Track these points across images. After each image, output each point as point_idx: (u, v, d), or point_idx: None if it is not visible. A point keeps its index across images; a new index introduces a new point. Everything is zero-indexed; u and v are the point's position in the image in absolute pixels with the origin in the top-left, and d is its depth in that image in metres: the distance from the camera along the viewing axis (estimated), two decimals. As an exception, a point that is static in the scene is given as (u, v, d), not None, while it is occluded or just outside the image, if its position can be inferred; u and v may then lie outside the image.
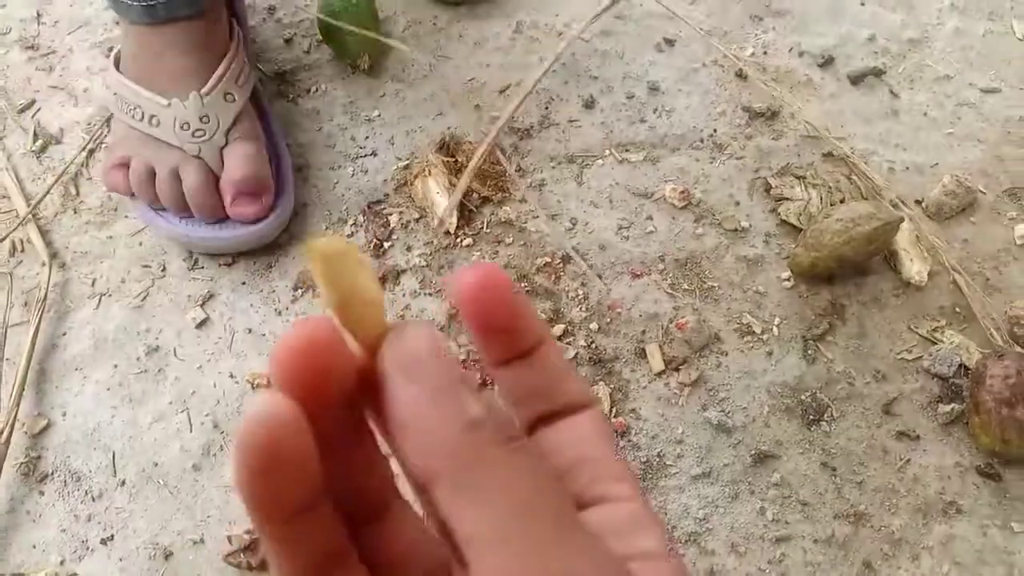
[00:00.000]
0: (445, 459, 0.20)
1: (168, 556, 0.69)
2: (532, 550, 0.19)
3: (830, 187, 0.88)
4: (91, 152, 0.89)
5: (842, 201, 0.86)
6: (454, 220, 0.82)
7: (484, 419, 0.21)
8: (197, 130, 0.76)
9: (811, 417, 0.76)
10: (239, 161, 0.77)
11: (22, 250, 0.83)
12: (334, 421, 0.23)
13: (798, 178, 0.88)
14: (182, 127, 0.76)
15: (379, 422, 0.24)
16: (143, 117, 0.77)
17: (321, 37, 0.94)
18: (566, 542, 0.20)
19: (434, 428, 0.20)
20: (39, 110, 0.92)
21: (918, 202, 0.89)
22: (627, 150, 0.90)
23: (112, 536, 0.70)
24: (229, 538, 0.70)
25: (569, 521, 0.21)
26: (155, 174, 0.77)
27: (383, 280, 0.81)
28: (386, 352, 0.22)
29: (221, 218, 0.79)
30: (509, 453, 0.21)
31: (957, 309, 0.83)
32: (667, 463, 0.74)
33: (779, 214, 0.87)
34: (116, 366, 0.77)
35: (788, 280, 0.83)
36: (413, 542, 0.27)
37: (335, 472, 0.24)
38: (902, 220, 0.81)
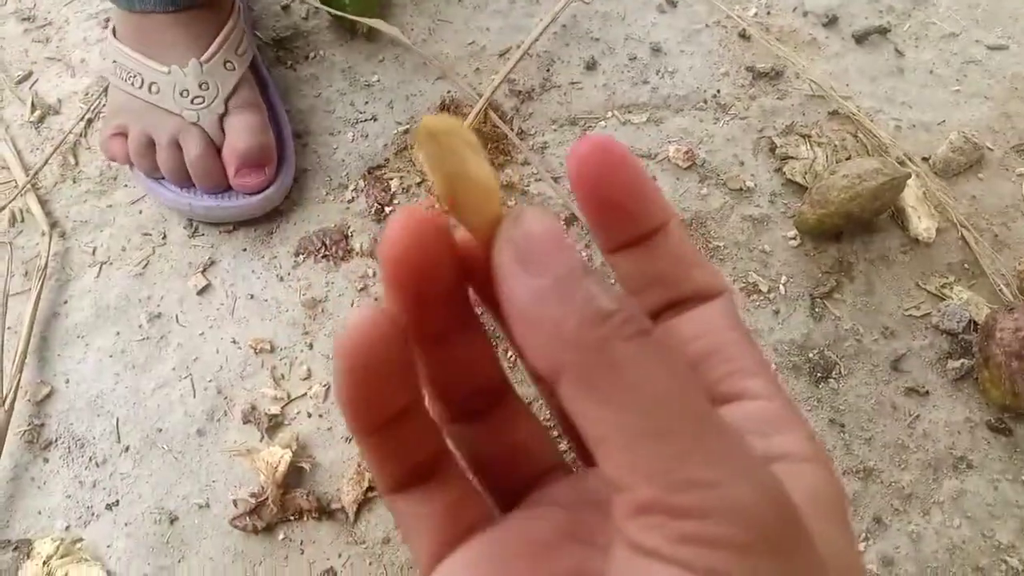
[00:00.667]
0: (570, 355, 0.18)
1: (173, 520, 0.69)
2: (671, 454, 0.17)
3: (836, 145, 0.87)
4: (89, 122, 0.88)
5: (848, 159, 0.85)
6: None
7: (612, 310, 0.18)
8: (196, 97, 0.76)
9: (819, 375, 0.75)
10: (242, 132, 0.76)
11: (22, 220, 0.82)
12: (442, 314, 0.22)
13: (803, 137, 0.87)
14: (181, 94, 0.75)
15: (495, 314, 0.23)
16: (142, 84, 0.76)
17: (319, 2, 0.93)
18: (708, 445, 0.18)
19: (557, 322, 0.18)
20: (36, 81, 0.91)
21: (925, 159, 0.88)
22: (630, 111, 0.89)
23: (117, 501, 0.70)
24: (235, 502, 0.69)
25: (711, 422, 0.18)
26: (154, 143, 0.77)
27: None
28: (501, 241, 0.20)
29: (224, 189, 0.78)
30: (641, 347, 0.18)
31: (965, 265, 0.82)
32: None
33: (784, 173, 0.86)
34: (118, 333, 0.76)
35: (794, 239, 0.82)
36: (523, 441, 0.26)
37: (441, 366, 0.24)
38: (909, 176, 0.80)
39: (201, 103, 0.76)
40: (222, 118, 0.76)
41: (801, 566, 0.17)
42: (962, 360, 0.76)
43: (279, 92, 0.87)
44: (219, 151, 0.77)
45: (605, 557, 0.19)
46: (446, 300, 0.22)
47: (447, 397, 0.25)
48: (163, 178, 0.79)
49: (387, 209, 0.82)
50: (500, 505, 0.26)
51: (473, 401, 0.25)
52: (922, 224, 0.82)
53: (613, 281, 0.24)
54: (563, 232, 0.19)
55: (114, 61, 0.78)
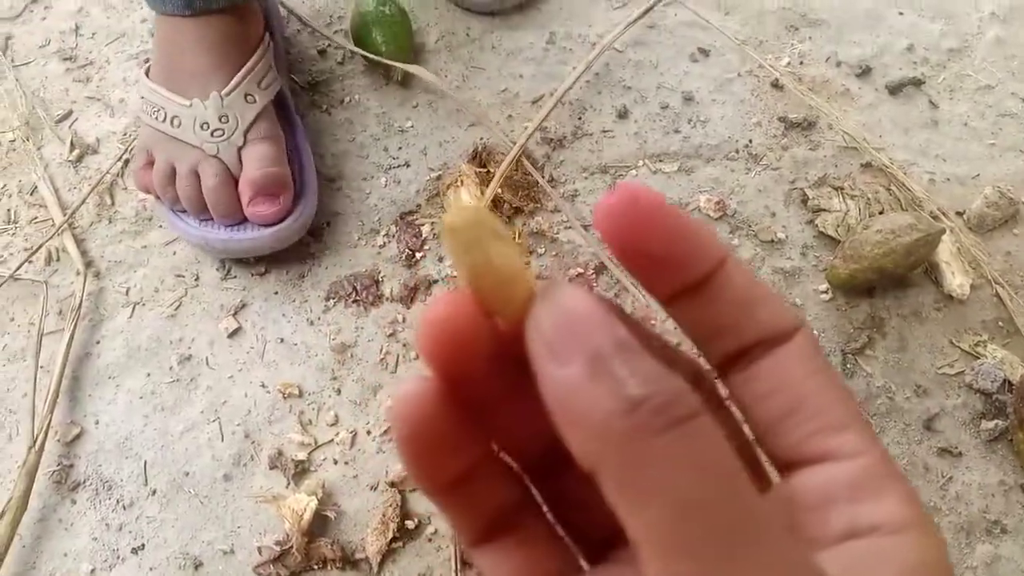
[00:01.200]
0: (601, 450, 0.17)
1: (198, 566, 0.69)
2: (699, 567, 0.16)
3: (869, 198, 0.86)
4: (126, 162, 0.89)
5: (881, 212, 0.84)
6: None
7: (642, 397, 0.17)
8: (216, 130, 0.77)
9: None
10: (257, 161, 0.77)
11: (57, 259, 0.83)
12: (489, 389, 0.22)
13: (836, 189, 0.87)
14: (202, 127, 0.77)
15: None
16: (165, 118, 0.77)
17: (355, 46, 0.94)
18: (742, 555, 0.16)
19: (587, 414, 0.17)
20: (76, 120, 0.93)
21: (959, 214, 0.87)
22: (661, 160, 0.89)
23: (143, 545, 0.70)
24: (259, 549, 0.69)
25: (753, 531, 0.16)
26: (176, 173, 0.78)
27: (414, 291, 0.80)
28: (530, 328, 0.19)
29: (239, 220, 0.78)
30: (674, 440, 0.17)
31: (1000, 323, 0.81)
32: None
33: (816, 226, 0.85)
34: (149, 375, 0.77)
35: (826, 292, 0.81)
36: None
37: (503, 430, 0.23)
38: (943, 232, 0.79)
39: (221, 135, 0.77)
40: (240, 150, 0.77)
41: None
42: (996, 421, 0.75)
43: (311, 135, 0.87)
44: (236, 182, 0.78)
45: None
46: (489, 376, 0.21)
47: (520, 455, 0.24)
48: (185, 211, 0.79)
49: (418, 255, 0.82)
50: (587, 557, 0.24)
51: (549, 456, 0.24)
52: (956, 280, 0.81)
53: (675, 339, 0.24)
54: (594, 309, 0.18)
55: (142, 97, 0.80)
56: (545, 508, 0.25)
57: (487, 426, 0.22)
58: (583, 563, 0.24)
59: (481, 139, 0.89)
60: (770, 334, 0.21)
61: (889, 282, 0.81)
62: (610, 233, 0.21)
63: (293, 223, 0.79)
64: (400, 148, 0.89)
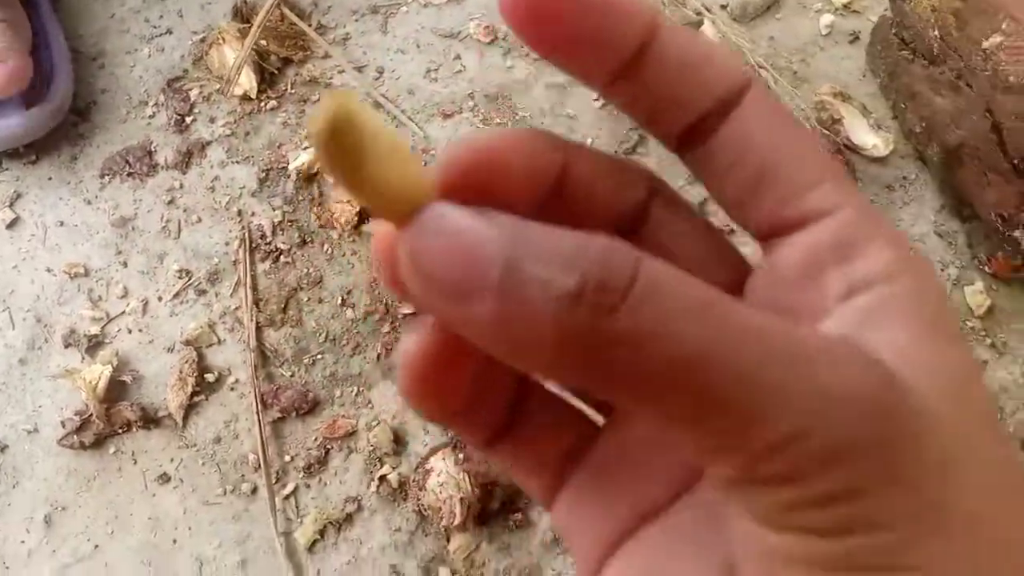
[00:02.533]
0: (573, 361, 0.15)
1: (3, 449, 0.70)
2: (730, 427, 0.15)
3: (634, 2, 0.87)
4: None
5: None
6: (254, 84, 0.81)
7: (576, 284, 0.15)
8: None
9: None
10: None
11: None
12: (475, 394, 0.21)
13: None
14: None
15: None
16: None
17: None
18: (764, 396, 0.15)
19: (533, 336, 0.15)
20: None
21: (723, 7, 0.89)
22: (430, -6, 0.89)
23: (-56, 439, 0.70)
24: (62, 423, 0.70)
25: (757, 359, 0.15)
26: None
27: (188, 155, 0.80)
28: (413, 283, 0.17)
29: None
30: (634, 310, 0.15)
31: (766, 104, 0.83)
32: (489, 290, 0.75)
33: (586, 36, 0.86)
34: (-71, 277, 0.76)
35: (598, 99, 0.83)
36: None
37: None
38: (700, 21, 0.81)
39: None
40: None
41: (909, 445, 0.15)
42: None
43: (69, 17, 0.85)
44: None
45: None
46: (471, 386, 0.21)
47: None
48: None
49: (187, 119, 0.81)
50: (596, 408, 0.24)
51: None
52: (721, 69, 0.83)
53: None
54: (466, 220, 0.16)
55: None
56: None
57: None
58: (599, 419, 0.23)
59: (243, -5, 0.88)
60: (720, 97, 0.19)
61: (657, 80, 0.83)
62: (521, 24, 0.19)
63: (46, 107, 0.77)
64: (161, 17, 0.87)
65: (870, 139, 0.81)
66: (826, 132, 0.80)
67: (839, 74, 0.85)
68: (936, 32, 0.73)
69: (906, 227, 0.78)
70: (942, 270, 0.76)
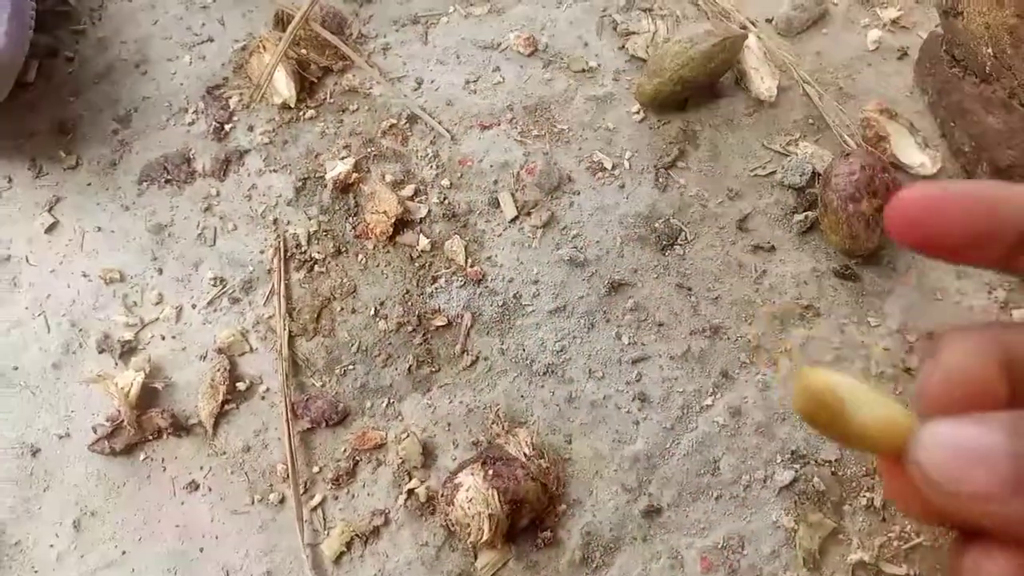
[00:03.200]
0: None
1: (36, 453, 0.70)
2: None
3: (677, 16, 0.86)
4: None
5: (687, 27, 0.85)
6: (293, 93, 0.81)
7: None
8: None
9: (664, 242, 0.76)
10: None
11: None
12: None
13: (644, 11, 0.87)
14: None
15: None
16: None
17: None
18: None
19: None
20: None
21: (769, 21, 0.87)
22: (471, 4, 0.89)
23: (-22, 441, 0.71)
24: (94, 428, 0.70)
25: None
26: None
27: (226, 163, 0.80)
28: (918, 472, 0.19)
29: None
30: None
31: (810, 121, 0.82)
32: (524, 303, 0.74)
33: (627, 50, 0.85)
34: (-31, 280, 0.77)
35: (638, 113, 0.82)
36: None
37: None
38: (744, 36, 0.80)
39: None
40: None
41: None
42: (807, 213, 0.77)
43: (113, 22, 0.85)
44: None
45: None
46: None
47: None
48: None
49: (227, 127, 0.81)
50: None
51: None
52: (764, 84, 0.82)
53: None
54: (977, 433, 0.18)
55: None
56: None
57: None
58: None
59: (281, 3, 0.88)
60: None
61: (699, 94, 0.82)
62: (907, 238, 0.21)
63: None
64: (203, 24, 0.87)
65: (917, 157, 0.79)
66: (872, 150, 0.78)
67: (886, 91, 0.84)
68: (989, 49, 0.71)
69: (953, 248, 0.76)
70: (989, 293, 0.74)
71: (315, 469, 0.69)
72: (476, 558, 0.65)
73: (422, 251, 0.76)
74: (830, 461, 0.68)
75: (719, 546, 0.66)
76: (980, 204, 0.20)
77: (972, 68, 0.75)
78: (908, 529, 0.66)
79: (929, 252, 0.21)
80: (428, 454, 0.69)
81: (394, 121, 0.81)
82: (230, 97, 0.83)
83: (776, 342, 0.72)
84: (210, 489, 0.69)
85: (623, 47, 0.85)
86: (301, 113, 0.82)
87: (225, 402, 0.71)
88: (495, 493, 0.62)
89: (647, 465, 0.68)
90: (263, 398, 0.72)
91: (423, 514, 0.67)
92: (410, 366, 0.72)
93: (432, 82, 0.84)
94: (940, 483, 0.18)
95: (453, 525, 0.64)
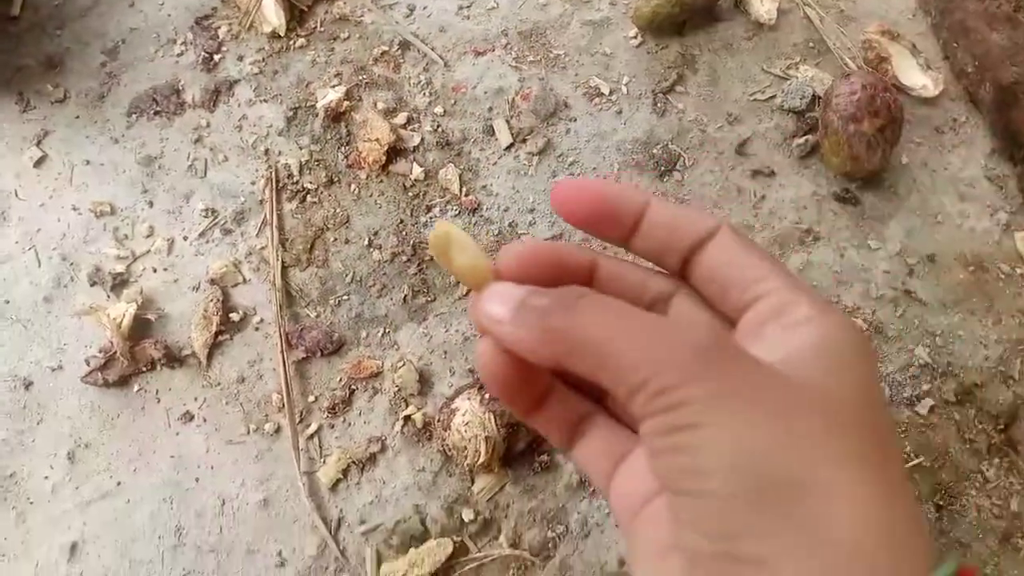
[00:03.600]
0: (541, 338, 0.27)
1: (29, 386, 0.70)
2: (619, 367, 0.25)
3: (674, -62, 0.84)
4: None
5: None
6: (283, 22, 0.79)
7: (546, 302, 0.27)
8: None
9: (663, 168, 0.75)
10: None
11: None
12: (533, 390, 0.31)
13: (641, -66, 0.85)
14: None
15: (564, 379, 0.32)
16: None
17: None
18: (637, 336, 0.25)
19: (525, 333, 0.27)
20: None
21: (768, -58, 0.85)
22: (463, -69, 0.86)
23: (-29, 375, 0.70)
24: (87, 360, 0.70)
25: (633, 319, 0.26)
26: None
27: (216, 94, 0.78)
28: (475, 305, 0.29)
29: None
30: (573, 309, 0.26)
31: (811, 44, 0.80)
32: (520, 232, 0.73)
33: (624, -26, 0.83)
34: (-43, 215, 0.76)
35: (635, 37, 0.80)
36: None
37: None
38: (742, -43, 0.78)
39: None
40: None
41: (730, 374, 0.24)
42: (807, 136, 0.75)
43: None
44: None
45: None
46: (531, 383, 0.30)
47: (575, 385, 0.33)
48: None
49: (216, 57, 0.80)
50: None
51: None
52: (764, 7, 0.80)
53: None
54: (506, 288, 0.29)
55: None
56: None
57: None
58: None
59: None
60: (697, 238, 0.29)
61: (697, 17, 0.80)
62: (567, 215, 0.30)
63: None
64: (190, -46, 0.85)
65: (919, 79, 0.77)
66: (873, 71, 0.76)
67: (888, 13, 0.82)
68: (993, -38, 0.69)
69: (955, 170, 0.75)
70: (992, 215, 0.73)
71: (310, 399, 0.68)
72: (473, 482, 0.65)
73: (416, 180, 0.74)
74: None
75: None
76: (614, 190, 0.30)
77: (977, -16, 0.73)
78: (908, 450, 0.65)
79: (574, 222, 0.30)
80: (424, 382, 0.68)
81: (386, 48, 0.80)
82: (219, 27, 0.81)
83: (776, 266, 0.71)
84: (205, 420, 0.68)
85: (619, -29, 0.83)
86: (291, 42, 0.80)
87: (218, 333, 0.70)
88: (491, 416, 0.62)
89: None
90: (257, 329, 0.71)
91: (420, 440, 0.66)
92: (405, 296, 0.71)
93: (424, 8, 0.82)
94: (483, 310, 0.28)
95: (450, 450, 0.63)
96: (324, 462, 0.66)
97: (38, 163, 0.77)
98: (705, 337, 0.24)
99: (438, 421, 0.65)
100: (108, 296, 0.72)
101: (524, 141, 0.76)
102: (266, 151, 0.76)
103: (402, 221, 0.73)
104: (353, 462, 0.66)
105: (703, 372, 0.24)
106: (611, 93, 0.78)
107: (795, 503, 0.22)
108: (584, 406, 0.32)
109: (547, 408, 0.31)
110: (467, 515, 0.64)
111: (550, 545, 0.64)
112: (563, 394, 0.31)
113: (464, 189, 0.74)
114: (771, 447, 0.23)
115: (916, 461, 0.65)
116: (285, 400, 0.67)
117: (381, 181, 0.75)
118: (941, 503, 0.64)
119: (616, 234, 0.30)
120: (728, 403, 0.23)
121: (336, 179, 0.75)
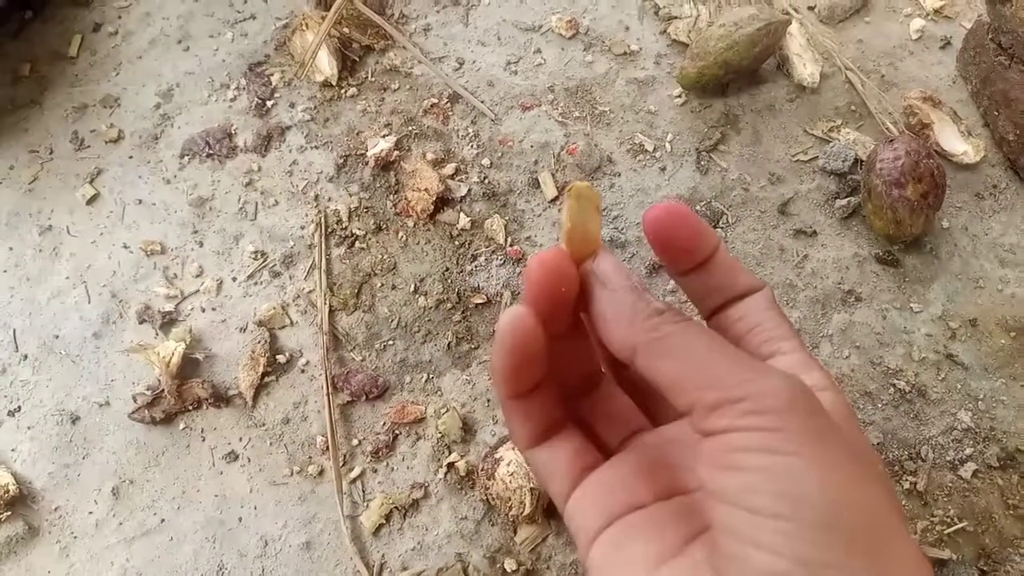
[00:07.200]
0: (641, 337, 0.28)
1: (75, 420, 0.70)
2: (720, 374, 0.26)
3: (719, 1, 0.86)
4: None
5: (730, 12, 0.84)
6: (335, 71, 0.81)
7: (663, 309, 0.29)
8: None
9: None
10: None
11: (-92, 149, 0.82)
12: (561, 321, 0.32)
13: (686, -4, 0.87)
14: None
15: (587, 319, 0.32)
16: None
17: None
18: (739, 364, 0.27)
19: (628, 317, 0.29)
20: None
21: (811, 8, 0.87)
22: (512, -13, 0.89)
23: (19, 407, 0.71)
24: (134, 397, 0.70)
25: (737, 354, 0.27)
26: None
27: (267, 139, 0.80)
28: (591, 268, 0.31)
29: None
30: (687, 326, 0.28)
31: (852, 107, 0.82)
32: (564, 283, 0.73)
33: (669, 34, 0.85)
34: (11, 248, 0.77)
35: (679, 96, 0.82)
36: (616, 410, 0.36)
37: (562, 358, 0.33)
38: (788, 21, 0.79)
39: None
40: None
41: (823, 422, 0.26)
42: (849, 198, 0.76)
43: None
44: None
45: (691, 469, 0.31)
46: (564, 312, 0.31)
47: (563, 381, 0.34)
48: None
49: (268, 103, 0.81)
50: (604, 456, 0.34)
51: (582, 383, 0.36)
52: (807, 70, 0.81)
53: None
54: (627, 270, 0.31)
55: None
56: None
57: (549, 356, 0.31)
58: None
59: (327, -16, 0.88)
60: (746, 290, 0.33)
61: (741, 79, 0.82)
62: (657, 239, 0.32)
63: None
64: (245, 2, 0.88)
65: (960, 146, 0.78)
66: (915, 136, 0.78)
67: (928, 80, 0.83)
68: (1036, 35, 0.70)
69: (996, 236, 0.75)
70: (1034, 281, 0.74)
71: (354, 442, 0.69)
72: (516, 532, 0.65)
73: (462, 229, 0.76)
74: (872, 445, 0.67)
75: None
76: (698, 222, 0.32)
77: (1019, 56, 0.74)
78: (951, 513, 0.65)
79: (662, 248, 0.33)
80: (468, 429, 0.69)
81: (435, 100, 0.81)
82: (272, 74, 0.83)
83: (818, 327, 0.72)
84: (249, 460, 0.69)
85: (664, 31, 0.85)
86: (343, 91, 0.82)
87: (265, 374, 0.71)
88: (538, 467, 0.62)
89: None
90: (303, 371, 0.71)
91: (463, 488, 0.67)
92: (449, 342, 0.72)
93: (473, 63, 0.84)
94: (602, 269, 0.30)
95: (493, 499, 0.64)
96: (367, 506, 0.66)
97: (91, 201, 0.79)
98: (800, 383, 0.26)
99: (482, 470, 0.65)
100: (156, 334, 0.73)
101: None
102: (316, 196, 0.78)
103: (448, 269, 0.74)
104: (396, 507, 0.66)
105: (802, 407, 0.26)
106: (655, 150, 0.79)
107: (879, 554, 0.24)
108: (559, 411, 0.33)
109: (532, 399, 0.32)
110: (509, 565, 0.64)
111: (591, 598, 0.64)
112: (547, 394, 0.33)
113: (509, 239, 0.75)
114: (860, 494, 0.25)
115: (960, 525, 0.64)
116: (329, 443, 0.68)
117: (428, 229, 0.76)
118: (985, 568, 0.63)
119: (686, 267, 0.33)
120: (822, 440, 0.25)
121: (384, 226, 0.76)
